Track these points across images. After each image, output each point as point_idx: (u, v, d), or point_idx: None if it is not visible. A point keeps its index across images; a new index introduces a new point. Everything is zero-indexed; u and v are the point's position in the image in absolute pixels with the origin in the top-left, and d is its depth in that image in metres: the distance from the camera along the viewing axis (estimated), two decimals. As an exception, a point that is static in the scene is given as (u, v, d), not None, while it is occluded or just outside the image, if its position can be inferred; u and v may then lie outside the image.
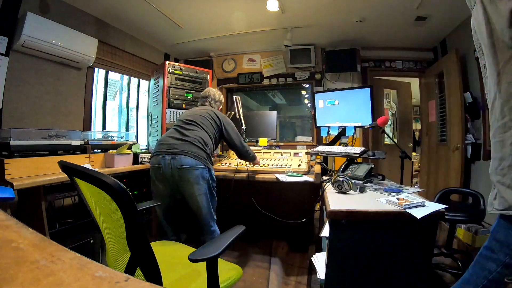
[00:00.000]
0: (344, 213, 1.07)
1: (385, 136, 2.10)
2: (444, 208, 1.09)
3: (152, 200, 2.37)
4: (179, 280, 1.04)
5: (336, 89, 2.67)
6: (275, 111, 3.05)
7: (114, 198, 0.73)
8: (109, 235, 0.92)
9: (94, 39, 2.71)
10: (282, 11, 2.83)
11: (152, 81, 2.85)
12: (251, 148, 2.51)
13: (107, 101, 3.30)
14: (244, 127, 2.37)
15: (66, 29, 2.42)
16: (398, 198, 1.16)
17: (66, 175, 1.14)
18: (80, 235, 1.76)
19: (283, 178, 1.88)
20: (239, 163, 2.12)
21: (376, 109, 2.31)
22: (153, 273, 0.86)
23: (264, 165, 2.21)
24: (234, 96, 2.47)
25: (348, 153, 1.92)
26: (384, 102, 4.44)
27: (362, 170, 1.75)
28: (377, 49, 3.84)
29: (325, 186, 1.57)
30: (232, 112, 2.50)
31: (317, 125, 2.47)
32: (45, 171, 1.59)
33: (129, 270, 0.88)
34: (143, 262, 0.84)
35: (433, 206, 1.08)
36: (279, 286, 1.84)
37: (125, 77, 3.58)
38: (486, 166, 2.05)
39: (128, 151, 2.06)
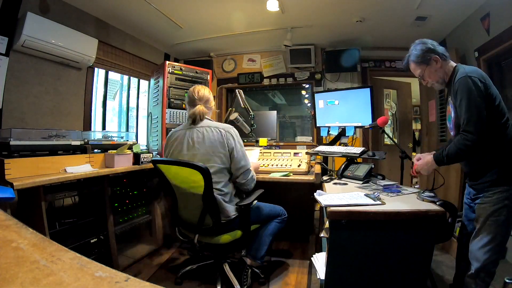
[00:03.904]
0: (344, 213, 1.07)
1: (385, 136, 2.10)
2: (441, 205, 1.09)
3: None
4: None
5: (336, 89, 2.67)
6: (275, 111, 3.06)
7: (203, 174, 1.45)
8: (190, 197, 1.59)
9: (94, 39, 2.70)
10: (282, 11, 2.83)
11: (152, 81, 2.85)
12: (249, 150, 2.51)
13: (107, 101, 3.30)
14: (251, 113, 2.39)
15: (66, 29, 2.41)
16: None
17: (66, 175, 1.53)
18: (80, 235, 1.76)
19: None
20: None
21: (376, 109, 2.32)
22: (217, 216, 1.57)
23: (264, 165, 2.21)
24: (236, 90, 2.48)
25: (348, 153, 1.92)
26: (384, 102, 4.45)
27: (362, 170, 1.75)
28: (377, 49, 3.84)
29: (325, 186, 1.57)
30: (233, 109, 2.50)
31: (317, 125, 2.48)
32: (45, 171, 1.59)
33: (202, 215, 1.58)
34: (211, 210, 1.55)
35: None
36: (279, 286, 1.84)
37: (125, 77, 3.58)
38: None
39: (128, 151, 2.06)
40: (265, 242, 1.76)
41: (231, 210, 1.61)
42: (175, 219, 1.78)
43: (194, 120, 1.67)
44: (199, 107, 1.68)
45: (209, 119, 1.74)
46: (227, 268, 1.76)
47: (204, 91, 1.75)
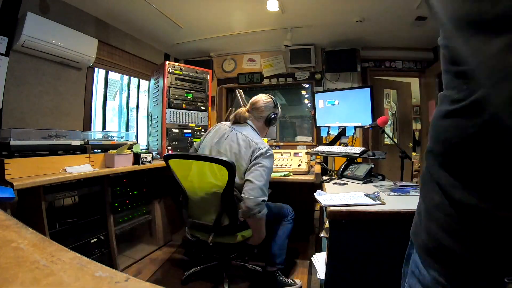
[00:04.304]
0: (344, 213, 1.07)
1: (385, 136, 2.10)
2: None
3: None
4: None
5: (336, 89, 2.67)
6: (275, 111, 3.05)
7: (227, 168, 1.41)
8: (207, 196, 1.55)
9: (94, 39, 2.70)
10: (282, 11, 2.83)
11: (152, 81, 2.85)
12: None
13: (107, 101, 3.30)
14: None
15: (66, 29, 2.41)
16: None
17: (66, 175, 1.54)
18: (80, 235, 1.76)
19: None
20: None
21: (376, 109, 2.32)
22: (234, 215, 1.52)
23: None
24: (236, 90, 2.49)
25: (348, 153, 1.92)
26: (384, 102, 4.45)
27: (362, 170, 1.75)
28: (377, 49, 3.84)
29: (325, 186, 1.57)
30: (234, 109, 2.50)
31: (317, 125, 2.47)
32: (45, 171, 1.59)
33: (219, 215, 1.53)
34: (229, 208, 1.51)
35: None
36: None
37: (125, 77, 3.58)
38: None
39: (128, 151, 2.06)
40: (283, 246, 1.78)
41: None
42: (184, 220, 1.74)
43: (233, 118, 1.72)
44: (243, 109, 1.73)
45: (254, 129, 1.69)
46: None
47: (260, 98, 1.74)
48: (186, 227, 1.73)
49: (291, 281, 1.80)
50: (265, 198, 1.50)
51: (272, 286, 1.78)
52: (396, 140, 4.32)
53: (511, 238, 0.37)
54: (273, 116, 1.75)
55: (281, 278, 1.78)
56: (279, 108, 1.80)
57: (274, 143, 3.04)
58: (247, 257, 1.86)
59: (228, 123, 1.77)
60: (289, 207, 1.88)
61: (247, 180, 1.50)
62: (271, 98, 1.76)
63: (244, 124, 1.70)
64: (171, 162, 1.60)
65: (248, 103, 1.76)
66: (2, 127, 2.07)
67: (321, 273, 1.26)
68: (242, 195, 1.48)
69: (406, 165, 1.84)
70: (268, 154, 1.55)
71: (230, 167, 1.42)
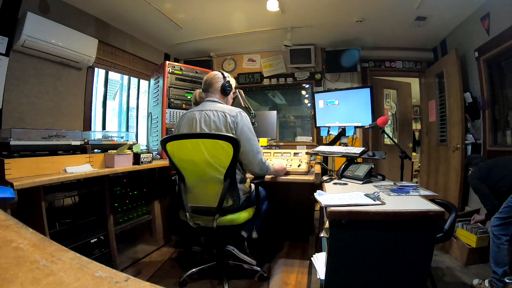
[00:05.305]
0: (344, 213, 1.07)
1: (385, 136, 2.10)
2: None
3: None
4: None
5: (336, 89, 2.67)
6: (275, 111, 3.05)
7: (232, 144, 1.42)
8: (209, 177, 1.55)
9: (94, 39, 2.71)
10: (282, 11, 2.83)
11: (152, 81, 2.85)
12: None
13: (107, 101, 3.30)
14: (252, 112, 2.41)
15: (66, 29, 2.41)
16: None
17: (66, 175, 1.55)
18: (80, 235, 1.76)
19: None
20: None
21: (376, 109, 2.32)
22: (237, 197, 1.58)
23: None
24: (236, 90, 2.50)
25: (348, 153, 1.92)
26: (384, 102, 4.45)
27: (362, 170, 1.75)
28: (377, 49, 3.85)
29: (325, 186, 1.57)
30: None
31: (317, 125, 2.47)
32: (45, 171, 1.58)
33: (223, 194, 1.52)
34: (233, 186, 1.54)
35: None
36: (279, 286, 1.84)
37: (125, 77, 3.58)
38: (486, 166, 2.05)
39: (128, 151, 2.06)
40: (259, 218, 1.90)
41: (243, 189, 1.69)
42: (184, 207, 1.69)
43: (194, 101, 1.85)
44: (196, 91, 1.88)
45: (219, 102, 1.73)
46: (236, 251, 1.89)
47: (208, 75, 1.80)
48: (187, 213, 1.69)
49: (251, 257, 1.92)
50: (264, 161, 1.69)
51: (240, 247, 1.92)
52: (396, 140, 4.33)
53: None
54: (227, 84, 1.77)
55: (246, 249, 1.93)
56: (231, 78, 1.82)
57: (274, 143, 3.04)
58: (246, 249, 1.92)
59: (192, 109, 1.77)
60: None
61: (246, 150, 1.60)
62: (219, 71, 1.82)
63: (207, 102, 1.73)
64: (169, 145, 1.55)
65: (202, 84, 1.80)
66: (2, 127, 2.07)
67: (321, 273, 1.26)
68: (249, 166, 1.65)
69: (406, 165, 1.84)
70: (240, 117, 1.61)
71: (235, 143, 1.42)
